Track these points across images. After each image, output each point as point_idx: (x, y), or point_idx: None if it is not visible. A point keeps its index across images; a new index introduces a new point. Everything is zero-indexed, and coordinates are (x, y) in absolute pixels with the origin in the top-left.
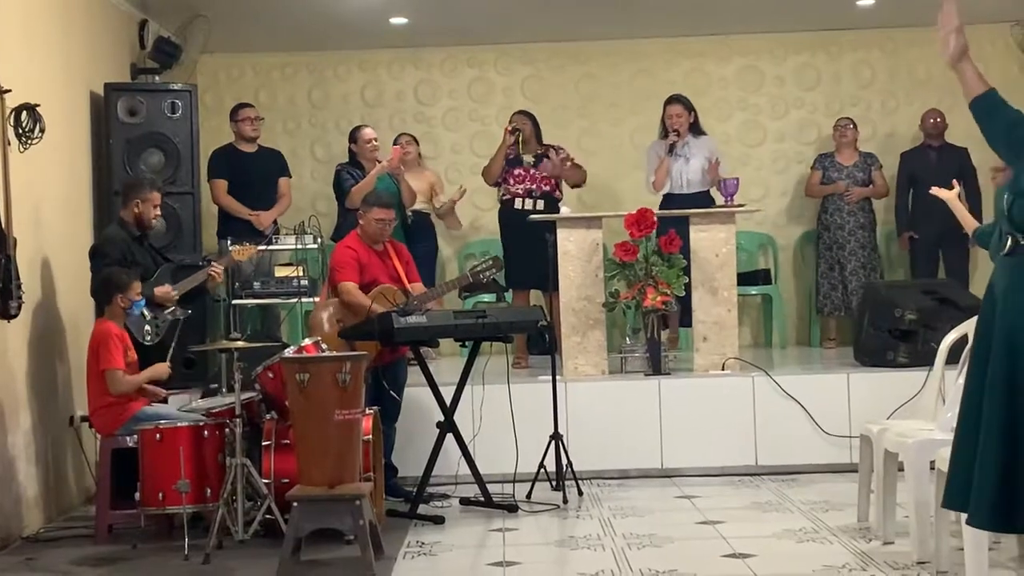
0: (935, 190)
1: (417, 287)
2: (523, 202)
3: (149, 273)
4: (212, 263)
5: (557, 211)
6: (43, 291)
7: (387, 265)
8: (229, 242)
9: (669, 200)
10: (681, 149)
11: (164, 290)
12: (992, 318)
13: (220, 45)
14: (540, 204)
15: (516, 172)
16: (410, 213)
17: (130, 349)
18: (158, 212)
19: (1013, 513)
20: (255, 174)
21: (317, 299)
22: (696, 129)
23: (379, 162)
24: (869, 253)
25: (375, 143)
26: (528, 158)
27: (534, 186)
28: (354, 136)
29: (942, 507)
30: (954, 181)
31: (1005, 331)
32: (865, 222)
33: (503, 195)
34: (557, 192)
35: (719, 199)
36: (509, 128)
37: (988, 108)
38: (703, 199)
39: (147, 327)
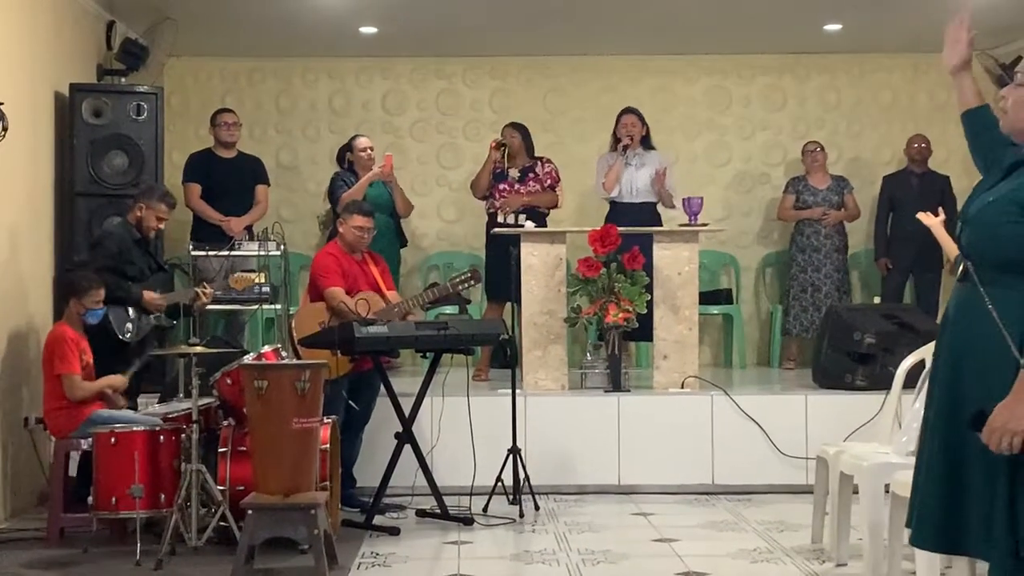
0: (921, 215)
1: (393, 296)
2: (506, 217)
3: (143, 277)
4: (205, 283)
5: (544, 226)
6: (1, 291)
7: (366, 273)
8: (233, 272)
9: (614, 207)
10: (632, 158)
11: (153, 296)
12: (941, 345)
13: (188, 48)
14: (522, 219)
15: (501, 187)
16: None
17: (86, 353)
18: (160, 225)
19: (956, 535)
20: (231, 179)
21: (278, 306)
22: (646, 143)
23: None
24: (842, 276)
25: (370, 151)
26: (514, 172)
27: None
28: (350, 145)
29: (909, 543)
30: (939, 209)
31: (952, 356)
32: (840, 245)
33: (489, 208)
34: (542, 208)
35: (665, 213)
36: (494, 144)
37: (981, 121)
38: (649, 210)
39: (128, 324)
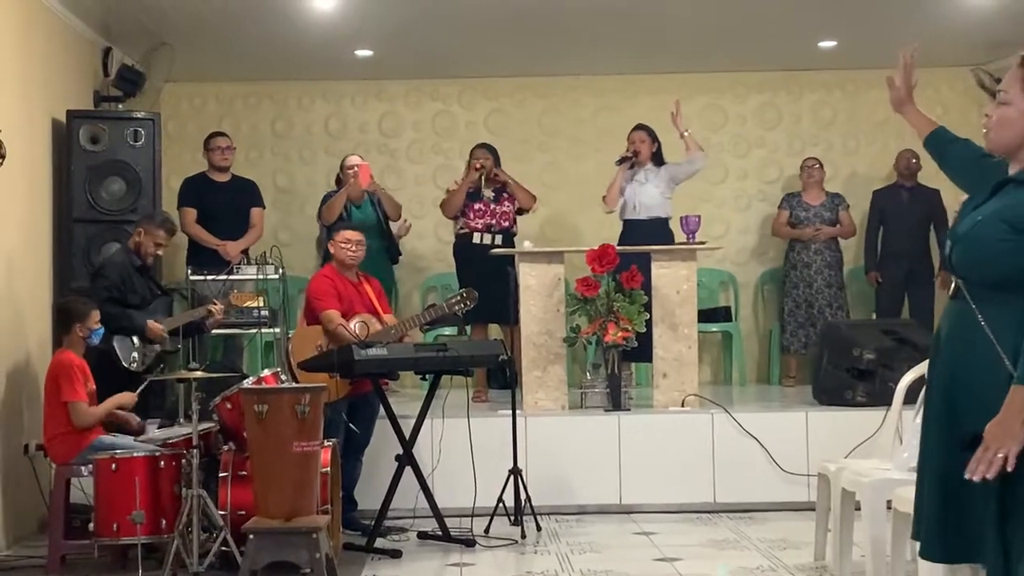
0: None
1: (389, 318)
2: (482, 236)
3: (145, 303)
4: (214, 300)
5: (513, 246)
6: (1, 317)
7: (362, 295)
8: (232, 289)
9: (626, 225)
10: (639, 174)
11: (156, 327)
12: (936, 363)
13: (184, 74)
14: (498, 239)
15: (476, 207)
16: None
17: (89, 380)
18: (158, 251)
19: (962, 546)
20: (226, 203)
21: (277, 329)
22: (658, 159)
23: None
24: (836, 292)
25: (356, 169)
26: (488, 192)
27: (493, 221)
28: (341, 164)
29: (920, 556)
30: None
31: (946, 374)
32: (832, 260)
33: (460, 228)
34: (514, 228)
35: (676, 230)
36: (476, 165)
37: (943, 142)
38: (657, 226)
39: (134, 354)
